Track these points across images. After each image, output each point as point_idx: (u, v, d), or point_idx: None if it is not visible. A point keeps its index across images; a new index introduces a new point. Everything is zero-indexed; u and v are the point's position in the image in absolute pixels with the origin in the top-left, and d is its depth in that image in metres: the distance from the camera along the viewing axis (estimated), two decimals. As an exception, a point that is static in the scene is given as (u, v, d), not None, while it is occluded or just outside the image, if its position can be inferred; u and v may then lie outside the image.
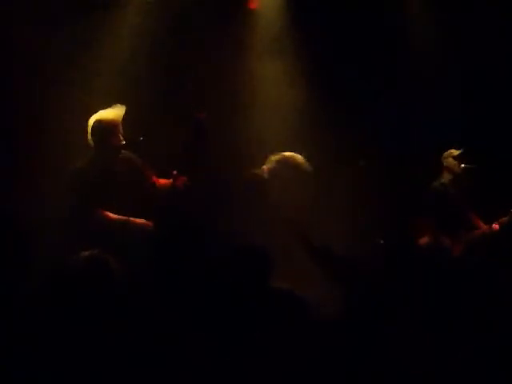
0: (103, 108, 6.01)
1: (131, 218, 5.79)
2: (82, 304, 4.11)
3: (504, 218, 6.60)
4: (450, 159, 6.84)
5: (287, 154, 6.21)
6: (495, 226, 6.62)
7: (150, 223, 5.84)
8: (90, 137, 5.93)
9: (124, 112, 5.95)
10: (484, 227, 6.73)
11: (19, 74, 6.69)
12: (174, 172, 5.98)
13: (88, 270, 4.36)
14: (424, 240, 6.64)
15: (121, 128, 5.94)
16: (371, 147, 7.26)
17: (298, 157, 6.18)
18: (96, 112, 5.99)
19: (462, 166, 6.77)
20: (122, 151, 6.01)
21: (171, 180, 5.99)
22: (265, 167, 6.21)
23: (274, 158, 6.20)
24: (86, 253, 4.31)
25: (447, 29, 7.45)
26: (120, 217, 5.78)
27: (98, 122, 5.91)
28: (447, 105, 7.42)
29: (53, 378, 3.80)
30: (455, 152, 6.83)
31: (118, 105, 5.97)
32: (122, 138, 5.93)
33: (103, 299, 4.19)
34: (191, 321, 4.14)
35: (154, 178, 6.10)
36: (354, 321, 4.32)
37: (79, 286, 4.25)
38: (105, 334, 3.98)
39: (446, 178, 6.86)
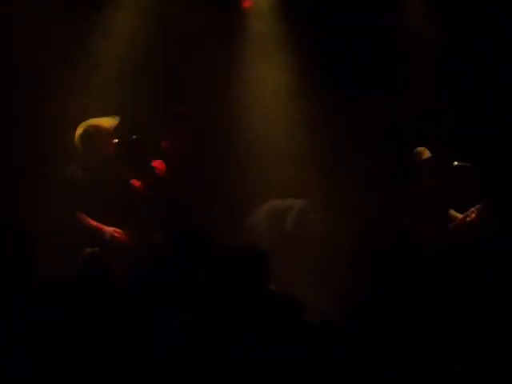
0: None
1: (102, 226, 5.81)
2: (81, 303, 4.08)
3: (478, 206, 6.63)
4: (420, 159, 6.86)
5: None
6: (472, 214, 6.65)
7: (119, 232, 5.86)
8: (80, 141, 5.94)
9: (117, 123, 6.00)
10: (461, 216, 6.76)
11: (17, 73, 6.67)
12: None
13: (88, 268, 4.35)
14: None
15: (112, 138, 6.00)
16: (370, 147, 7.27)
17: None
18: (90, 113, 6.04)
19: (432, 167, 6.82)
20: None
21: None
22: None
23: None
24: (88, 250, 4.31)
25: (446, 27, 7.45)
26: (95, 223, 5.81)
27: (95, 128, 5.93)
28: (445, 103, 7.44)
29: (52, 378, 3.76)
30: (424, 153, 6.86)
31: (114, 116, 6.03)
32: (112, 147, 5.98)
33: (103, 298, 4.17)
34: (190, 321, 4.11)
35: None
36: (355, 323, 4.30)
37: (79, 284, 4.24)
38: (104, 334, 3.94)
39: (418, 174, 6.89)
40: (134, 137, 6.14)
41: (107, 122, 5.98)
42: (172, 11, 7.18)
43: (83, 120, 5.98)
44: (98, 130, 5.92)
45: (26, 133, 6.58)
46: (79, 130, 5.94)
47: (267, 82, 7.36)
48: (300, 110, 7.29)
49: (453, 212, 6.85)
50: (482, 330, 4.37)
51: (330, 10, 7.41)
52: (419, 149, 6.90)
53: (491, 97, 7.39)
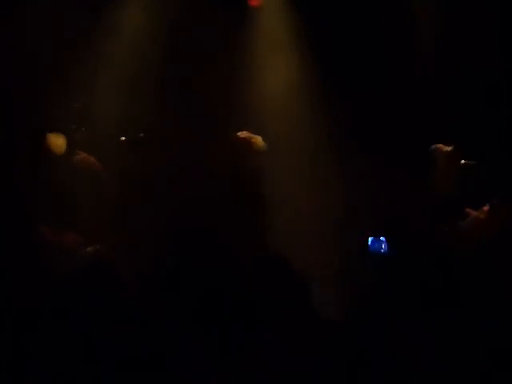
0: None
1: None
2: (84, 303, 4.10)
3: (494, 200, 6.60)
4: (440, 154, 6.84)
5: None
6: (485, 208, 6.62)
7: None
8: None
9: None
10: (474, 213, 6.73)
11: (21, 72, 6.71)
12: None
13: (92, 268, 4.37)
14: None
15: None
16: (373, 145, 7.28)
17: None
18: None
19: (455, 162, 6.78)
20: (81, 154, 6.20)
21: None
22: None
23: None
24: (90, 249, 4.32)
25: (447, 26, 7.45)
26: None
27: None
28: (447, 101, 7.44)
29: (54, 378, 3.79)
30: (445, 148, 6.84)
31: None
32: None
33: (106, 298, 4.19)
34: (192, 322, 4.12)
35: None
36: (359, 321, 4.31)
37: (82, 283, 4.25)
38: (106, 334, 3.96)
39: (436, 171, 6.87)
40: (141, 135, 6.18)
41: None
42: (180, 9, 7.22)
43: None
44: None
45: (33, 131, 6.61)
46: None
47: (275, 79, 7.37)
48: (310, 106, 7.32)
49: (467, 209, 6.82)
50: (488, 329, 4.36)
51: (339, 6, 7.42)
52: (437, 145, 6.87)
53: (491, 96, 7.40)
